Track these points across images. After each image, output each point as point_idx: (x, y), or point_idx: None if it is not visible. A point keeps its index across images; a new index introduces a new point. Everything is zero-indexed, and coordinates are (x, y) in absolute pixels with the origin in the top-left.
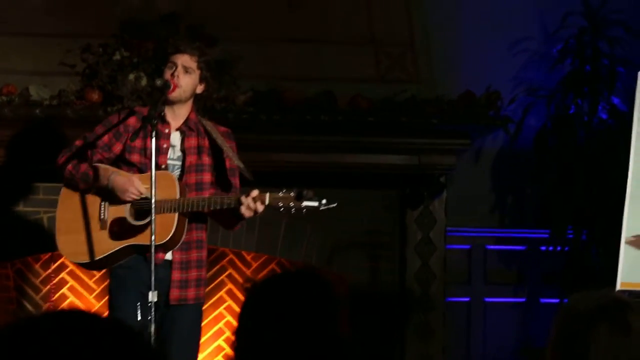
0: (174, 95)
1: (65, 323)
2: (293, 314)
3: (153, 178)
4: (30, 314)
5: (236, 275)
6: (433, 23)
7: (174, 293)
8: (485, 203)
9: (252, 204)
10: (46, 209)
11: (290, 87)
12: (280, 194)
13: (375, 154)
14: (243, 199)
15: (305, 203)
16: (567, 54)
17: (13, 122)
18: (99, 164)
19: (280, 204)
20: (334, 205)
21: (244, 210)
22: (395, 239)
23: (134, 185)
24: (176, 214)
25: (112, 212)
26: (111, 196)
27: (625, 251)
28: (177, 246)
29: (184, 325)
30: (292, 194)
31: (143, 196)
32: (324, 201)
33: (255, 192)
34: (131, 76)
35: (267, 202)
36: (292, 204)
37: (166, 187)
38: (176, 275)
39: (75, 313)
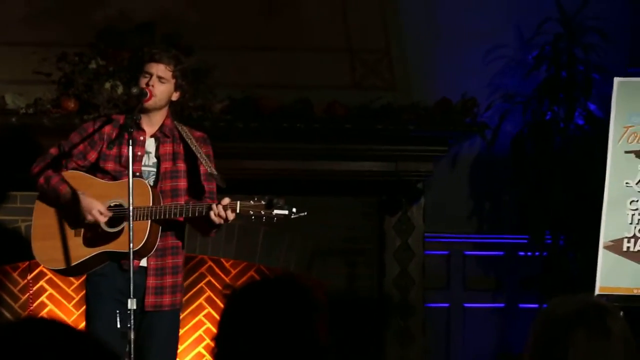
0: (149, 103)
1: (37, 332)
2: (271, 321)
3: (130, 186)
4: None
5: (215, 283)
6: (409, 30)
7: (150, 299)
8: (463, 209)
9: (222, 212)
10: (23, 217)
11: (266, 95)
12: (251, 202)
13: (352, 161)
14: (214, 207)
15: (276, 211)
16: (542, 60)
17: None
18: (72, 176)
19: (251, 212)
20: (305, 213)
21: (214, 218)
22: (374, 245)
23: (92, 213)
24: (149, 221)
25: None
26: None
27: (603, 256)
28: (151, 253)
29: (160, 332)
30: (262, 202)
31: (114, 205)
32: (294, 209)
33: (226, 200)
34: (107, 85)
35: (237, 210)
36: (262, 212)
37: (139, 195)
38: (151, 281)
39: (45, 322)
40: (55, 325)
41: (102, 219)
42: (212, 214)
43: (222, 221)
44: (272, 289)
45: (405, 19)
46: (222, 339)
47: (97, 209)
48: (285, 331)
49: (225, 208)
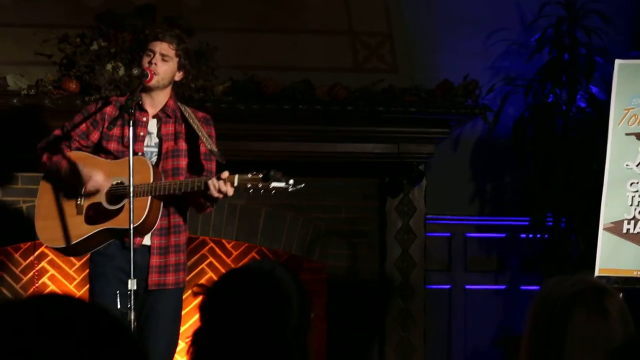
0: (152, 82)
1: (44, 307)
2: (241, 316)
3: (131, 166)
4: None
5: (216, 264)
6: (410, 12)
7: (153, 278)
8: (465, 191)
9: (222, 186)
10: (25, 198)
11: (267, 77)
12: (249, 175)
13: (354, 143)
14: (213, 181)
15: (274, 184)
16: (544, 43)
17: None
18: (75, 155)
19: (249, 185)
20: (302, 186)
21: (213, 192)
22: (375, 227)
23: (94, 179)
24: (149, 197)
25: (88, 198)
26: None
27: (603, 238)
28: (152, 230)
29: (164, 311)
30: (260, 175)
31: (115, 183)
32: (291, 181)
33: (225, 174)
34: (109, 66)
35: (235, 183)
36: (260, 184)
37: (140, 172)
38: (155, 260)
39: (55, 297)
40: (68, 300)
41: (104, 184)
42: (211, 187)
43: (221, 195)
44: (240, 285)
45: (407, 1)
46: (198, 338)
47: (98, 175)
48: (249, 326)
49: (224, 182)
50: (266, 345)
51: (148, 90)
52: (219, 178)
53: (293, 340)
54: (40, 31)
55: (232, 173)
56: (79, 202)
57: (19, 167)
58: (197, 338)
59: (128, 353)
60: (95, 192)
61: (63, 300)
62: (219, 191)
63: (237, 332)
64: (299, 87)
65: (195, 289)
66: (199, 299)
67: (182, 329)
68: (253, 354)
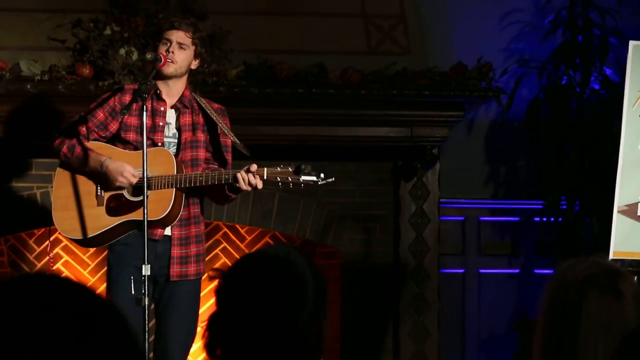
0: (170, 70)
1: (28, 286)
2: (257, 301)
3: (144, 154)
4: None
5: (230, 249)
6: None
7: (175, 269)
8: (479, 175)
9: (252, 179)
10: (39, 184)
11: (281, 60)
12: (279, 169)
13: (367, 127)
14: (242, 174)
15: (304, 178)
16: (558, 25)
17: (4, 97)
18: (93, 146)
19: (279, 179)
20: (332, 179)
21: (242, 185)
22: (389, 211)
23: (123, 174)
24: (173, 190)
25: (109, 189)
26: (110, 180)
27: (617, 221)
28: (175, 222)
29: (185, 301)
30: (290, 168)
31: (136, 181)
32: (322, 175)
33: (254, 167)
34: (122, 51)
35: (265, 177)
36: (290, 178)
37: (163, 163)
38: (176, 251)
39: (40, 277)
40: (53, 279)
41: (134, 180)
42: (240, 180)
43: (249, 188)
44: (259, 267)
45: None
46: (214, 323)
47: (128, 170)
48: (269, 311)
49: (253, 175)
50: (282, 330)
51: (165, 78)
52: (248, 171)
53: (309, 326)
54: (53, 16)
55: (250, 160)
56: (99, 193)
57: (33, 153)
58: (213, 323)
59: (114, 334)
60: (129, 185)
61: (48, 279)
62: (249, 184)
63: (252, 317)
64: (312, 71)
65: (211, 272)
66: (215, 283)
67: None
68: (268, 339)
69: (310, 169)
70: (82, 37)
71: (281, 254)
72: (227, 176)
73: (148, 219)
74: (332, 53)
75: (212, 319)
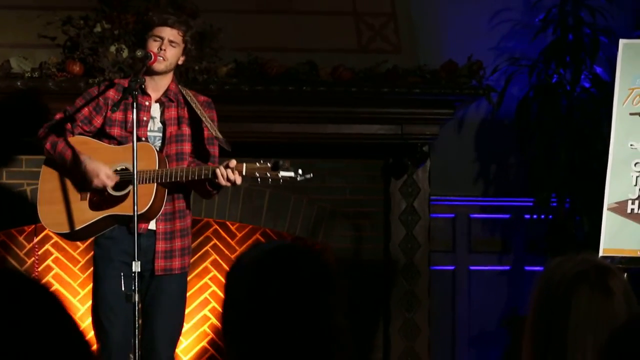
0: (160, 67)
1: None
2: (283, 292)
3: (134, 149)
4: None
5: (221, 246)
6: None
7: (159, 263)
8: (469, 172)
9: (230, 174)
10: (29, 180)
11: (271, 58)
12: (257, 165)
13: (358, 124)
14: (221, 169)
15: (282, 173)
16: (549, 23)
17: None
18: (78, 141)
19: (257, 174)
20: (310, 175)
21: (221, 181)
22: (380, 209)
23: (99, 177)
24: (154, 184)
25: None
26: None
27: (607, 218)
28: (158, 216)
29: (169, 295)
30: (268, 164)
31: (120, 169)
32: (300, 171)
33: (233, 162)
34: (112, 48)
35: (244, 172)
36: (268, 174)
37: (145, 158)
38: (160, 245)
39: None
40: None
41: (110, 183)
42: (219, 176)
43: (229, 184)
44: (287, 257)
45: None
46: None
47: (104, 172)
48: (296, 302)
49: (232, 170)
50: (313, 328)
51: (152, 74)
52: (227, 166)
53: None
54: (44, 14)
55: (237, 156)
56: (82, 188)
57: (22, 150)
58: (229, 320)
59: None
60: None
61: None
62: (227, 180)
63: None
64: (303, 69)
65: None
66: (234, 264)
67: (186, 312)
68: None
69: (288, 164)
70: (73, 34)
71: (297, 248)
72: (206, 171)
73: (128, 214)
74: (323, 51)
75: (228, 316)
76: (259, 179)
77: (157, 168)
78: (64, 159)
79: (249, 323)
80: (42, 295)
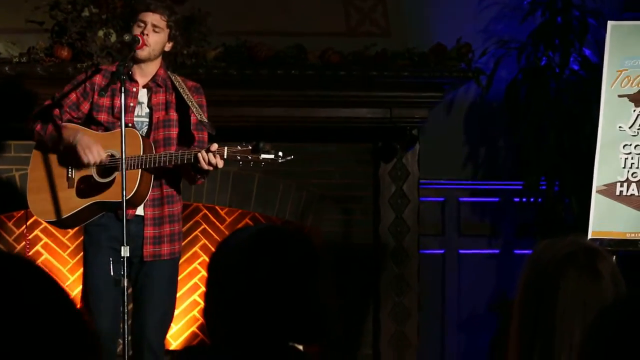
0: (143, 54)
1: None
2: (268, 269)
3: (123, 135)
4: None
5: (210, 231)
6: None
7: (148, 249)
8: (458, 155)
9: (212, 158)
10: (18, 166)
11: (260, 42)
12: (239, 147)
13: (347, 108)
14: (202, 153)
15: (263, 156)
16: (537, 6)
17: None
18: (67, 124)
19: (239, 157)
20: (291, 157)
21: (203, 165)
22: (369, 192)
23: (91, 150)
24: (139, 170)
25: (79, 171)
26: (78, 156)
27: (596, 200)
28: (145, 201)
29: (159, 281)
30: (249, 147)
31: (105, 157)
32: (280, 153)
33: (214, 146)
34: (100, 33)
35: (225, 155)
36: (250, 156)
37: (130, 144)
38: (149, 231)
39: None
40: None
41: (97, 158)
42: (201, 160)
43: (210, 168)
44: (272, 238)
45: None
46: (213, 284)
47: (96, 148)
48: (280, 279)
49: (213, 154)
50: (300, 304)
51: (138, 61)
52: (208, 150)
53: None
54: None
55: (225, 140)
56: (70, 175)
57: (11, 135)
58: (215, 300)
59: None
60: (93, 164)
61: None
62: (209, 163)
63: (259, 295)
64: (292, 52)
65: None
66: (221, 245)
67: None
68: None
69: (269, 147)
70: (60, 19)
71: (287, 231)
72: (189, 156)
73: (114, 200)
74: (312, 34)
75: (214, 297)
76: (240, 162)
77: (142, 154)
78: (54, 138)
79: (235, 303)
80: (34, 274)
